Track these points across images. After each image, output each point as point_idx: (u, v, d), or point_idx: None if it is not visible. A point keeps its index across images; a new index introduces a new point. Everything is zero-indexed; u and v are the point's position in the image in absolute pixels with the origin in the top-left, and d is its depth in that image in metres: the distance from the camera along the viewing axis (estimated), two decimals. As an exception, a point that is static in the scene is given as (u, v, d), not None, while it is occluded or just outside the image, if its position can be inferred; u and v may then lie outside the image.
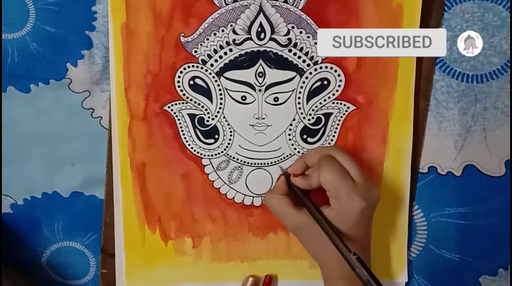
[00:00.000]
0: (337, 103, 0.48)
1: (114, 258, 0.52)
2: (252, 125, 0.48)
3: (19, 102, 0.49)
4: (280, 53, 0.46)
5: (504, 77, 0.48)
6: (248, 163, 0.49)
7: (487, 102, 0.48)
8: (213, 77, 0.47)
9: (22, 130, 0.50)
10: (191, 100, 0.47)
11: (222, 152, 0.49)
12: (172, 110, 0.48)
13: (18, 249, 0.53)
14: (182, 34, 0.46)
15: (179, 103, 0.47)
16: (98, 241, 0.52)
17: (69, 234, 0.53)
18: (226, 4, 0.45)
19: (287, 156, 0.49)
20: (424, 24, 0.46)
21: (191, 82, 0.47)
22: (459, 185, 0.50)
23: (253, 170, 0.49)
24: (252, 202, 0.50)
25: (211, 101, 0.47)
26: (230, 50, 0.46)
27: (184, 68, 0.47)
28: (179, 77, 0.47)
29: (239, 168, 0.49)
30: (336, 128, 0.48)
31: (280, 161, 0.49)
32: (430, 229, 0.51)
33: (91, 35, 0.48)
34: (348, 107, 0.48)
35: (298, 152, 0.49)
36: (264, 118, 0.48)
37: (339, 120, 0.48)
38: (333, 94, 0.47)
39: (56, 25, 0.48)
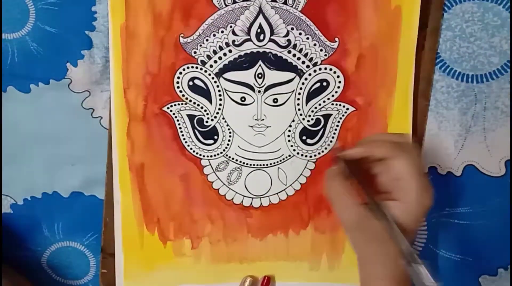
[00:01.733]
0: (336, 104, 0.48)
1: (114, 258, 0.52)
2: (251, 126, 0.48)
3: (19, 102, 0.49)
4: (279, 54, 0.46)
5: (504, 77, 0.48)
6: (247, 164, 0.49)
7: (487, 102, 0.48)
8: (213, 78, 0.47)
9: (22, 130, 0.50)
10: (190, 101, 0.47)
11: (221, 152, 0.49)
12: (171, 111, 0.48)
13: (18, 249, 0.53)
14: (182, 35, 0.46)
15: (179, 104, 0.47)
16: (98, 241, 0.52)
17: (69, 234, 0.53)
18: (226, 5, 0.45)
19: (286, 157, 0.49)
20: (423, 25, 0.46)
21: (191, 83, 0.47)
22: (459, 185, 0.50)
23: (252, 171, 0.49)
24: (251, 204, 0.50)
25: (210, 102, 0.47)
26: (230, 51, 0.46)
27: (184, 69, 0.47)
28: (178, 78, 0.47)
29: (238, 169, 0.49)
30: (336, 129, 0.48)
31: (279, 162, 0.49)
32: (430, 229, 0.51)
33: (91, 35, 0.48)
34: (347, 109, 0.48)
35: (298, 153, 0.49)
36: (263, 119, 0.48)
37: (339, 122, 0.48)
38: (332, 96, 0.47)
39: (56, 25, 0.48)
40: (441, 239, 0.51)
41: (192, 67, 0.46)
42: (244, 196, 0.50)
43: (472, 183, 0.49)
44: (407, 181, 0.38)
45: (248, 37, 0.46)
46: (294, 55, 0.46)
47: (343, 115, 0.48)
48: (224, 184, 0.49)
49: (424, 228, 0.51)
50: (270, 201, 0.50)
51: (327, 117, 0.48)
